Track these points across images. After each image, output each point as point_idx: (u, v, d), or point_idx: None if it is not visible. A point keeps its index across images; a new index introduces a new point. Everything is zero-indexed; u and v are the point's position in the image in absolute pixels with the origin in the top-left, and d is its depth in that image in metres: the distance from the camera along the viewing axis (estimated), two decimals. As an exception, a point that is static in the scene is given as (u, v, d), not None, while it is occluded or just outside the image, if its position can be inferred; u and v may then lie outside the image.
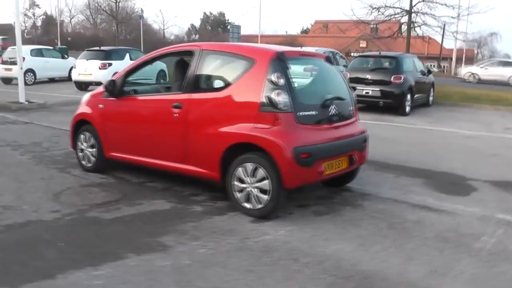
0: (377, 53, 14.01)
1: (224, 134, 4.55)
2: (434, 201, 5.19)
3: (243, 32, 42.74)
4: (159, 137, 5.12)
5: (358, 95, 10.23)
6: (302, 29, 68.27)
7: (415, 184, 5.85)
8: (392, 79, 11.88)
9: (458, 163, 6.99)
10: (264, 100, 4.36)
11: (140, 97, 5.52)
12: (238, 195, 4.53)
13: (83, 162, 6.02)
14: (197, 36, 60.75)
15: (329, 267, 3.51)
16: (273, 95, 4.32)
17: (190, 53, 5.02)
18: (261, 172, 4.36)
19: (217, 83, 4.81)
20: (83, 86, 16.41)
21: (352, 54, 56.77)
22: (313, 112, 4.57)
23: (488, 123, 11.50)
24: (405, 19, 20.00)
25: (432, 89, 14.51)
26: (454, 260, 3.71)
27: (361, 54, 14.70)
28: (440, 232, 4.30)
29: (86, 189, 5.30)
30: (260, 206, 4.42)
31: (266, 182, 4.34)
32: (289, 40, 48.93)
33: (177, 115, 4.87)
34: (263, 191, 4.38)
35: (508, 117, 12.85)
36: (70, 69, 18.71)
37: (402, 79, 11.87)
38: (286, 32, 67.89)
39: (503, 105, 14.58)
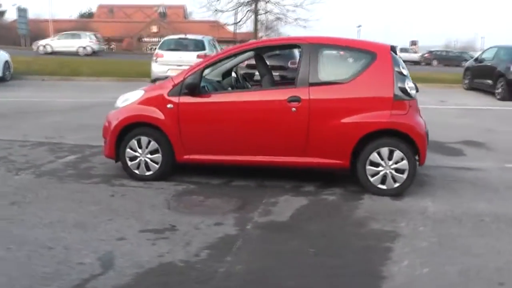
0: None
1: (358, 123, 4.82)
2: (456, 162, 6.45)
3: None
4: (268, 133, 4.98)
5: (257, 81, 11.13)
6: (81, 13, 63.57)
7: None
8: (289, 64, 12.98)
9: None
10: (397, 89, 4.83)
11: (233, 94, 5.19)
12: (372, 178, 4.92)
13: (137, 171, 5.28)
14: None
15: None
16: (405, 85, 4.84)
17: (294, 47, 5.04)
18: (398, 154, 4.84)
19: (340, 76, 4.98)
20: None
21: (143, 39, 56.25)
22: (416, 97, 5.25)
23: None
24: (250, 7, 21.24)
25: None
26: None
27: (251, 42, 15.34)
28: (501, 183, 5.52)
29: (191, 199, 4.80)
30: (397, 185, 4.90)
31: (404, 162, 4.85)
32: (81, 25, 45.38)
33: (295, 109, 4.87)
34: (400, 171, 4.88)
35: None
36: None
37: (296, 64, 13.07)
38: (71, 16, 62.47)
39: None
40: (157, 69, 13.74)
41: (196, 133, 5.11)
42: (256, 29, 21.59)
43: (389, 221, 4.27)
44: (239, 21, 22.46)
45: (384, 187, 4.91)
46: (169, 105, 5.09)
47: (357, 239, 3.86)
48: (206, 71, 5.23)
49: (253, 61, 13.31)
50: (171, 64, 13.64)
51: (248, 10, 21.41)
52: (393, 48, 5.06)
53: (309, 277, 3.16)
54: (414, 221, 4.28)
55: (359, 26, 58.03)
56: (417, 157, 4.90)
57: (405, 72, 4.93)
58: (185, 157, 5.18)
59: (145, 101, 5.22)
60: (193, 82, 4.95)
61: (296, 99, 4.86)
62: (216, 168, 5.48)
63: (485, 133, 8.50)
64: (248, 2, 21.00)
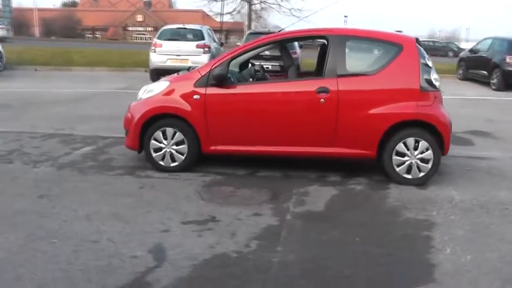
0: (266, 30, 14.81)
1: (386, 114, 4.88)
2: (468, 152, 6.59)
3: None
4: (296, 124, 5.01)
5: (271, 71, 11.17)
6: (63, 1, 62.30)
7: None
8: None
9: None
10: (423, 81, 4.90)
11: (260, 85, 5.20)
12: (397, 168, 5.00)
13: (161, 163, 5.27)
14: None
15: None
16: (431, 77, 4.91)
17: (321, 38, 5.05)
18: (423, 144, 4.93)
19: (368, 68, 5.03)
20: None
21: (128, 28, 55.53)
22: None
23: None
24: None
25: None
26: None
27: (250, 31, 15.27)
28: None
29: (221, 189, 4.81)
30: (422, 174, 4.99)
31: (429, 152, 4.94)
32: (68, 14, 44.55)
33: (324, 100, 4.91)
34: (425, 161, 4.97)
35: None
36: None
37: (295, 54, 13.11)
38: (54, 5, 61.23)
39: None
40: (155, 58, 13.59)
41: (223, 124, 5.12)
42: (250, 19, 21.46)
43: (421, 210, 4.35)
44: (233, 11, 22.26)
45: (409, 176, 5.00)
46: (195, 96, 5.08)
47: (395, 228, 3.94)
48: (233, 62, 5.23)
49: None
50: (170, 54, 13.52)
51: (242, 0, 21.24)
52: (417, 40, 5.12)
53: (361, 265, 3.23)
54: (444, 210, 4.38)
55: (345, 16, 58.54)
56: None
57: (430, 63, 5.01)
58: (212, 148, 5.18)
59: (171, 92, 5.20)
60: (222, 73, 4.94)
61: (325, 90, 4.89)
62: (240, 158, 5.50)
63: (488, 123, 8.66)
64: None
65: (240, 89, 5.13)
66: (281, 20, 32.74)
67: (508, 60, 13.10)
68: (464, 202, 4.58)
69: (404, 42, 5.02)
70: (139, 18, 54.14)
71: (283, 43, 5.65)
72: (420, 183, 5.00)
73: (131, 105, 5.61)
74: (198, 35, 14.25)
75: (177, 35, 14.30)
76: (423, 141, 4.92)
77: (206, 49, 13.76)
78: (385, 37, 5.16)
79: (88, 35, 43.15)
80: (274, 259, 3.26)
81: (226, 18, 35.55)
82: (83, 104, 9.97)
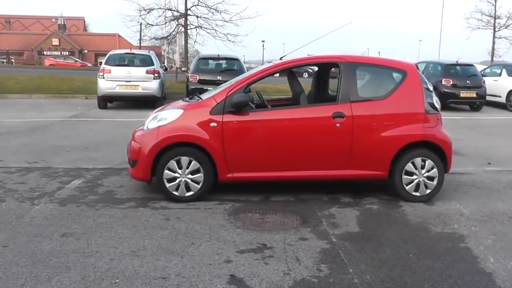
0: (216, 55, 14.86)
1: (397, 136, 5.20)
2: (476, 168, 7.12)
3: None
4: (313, 148, 5.16)
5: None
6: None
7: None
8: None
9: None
10: (427, 104, 5.31)
11: (276, 112, 5.29)
12: (407, 187, 5.33)
13: (176, 193, 5.16)
14: None
15: None
16: (433, 100, 5.34)
17: (332, 65, 5.30)
18: (429, 163, 5.31)
19: (377, 93, 5.32)
20: None
21: (44, 52, 52.71)
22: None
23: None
24: (181, 21, 20.92)
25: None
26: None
27: (201, 56, 15.18)
28: (496, 184, 6.23)
29: (249, 217, 4.80)
30: (428, 191, 5.36)
31: (434, 170, 5.33)
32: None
33: (339, 124, 5.13)
34: (431, 178, 5.34)
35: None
36: None
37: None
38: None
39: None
40: (104, 85, 13.12)
41: (241, 151, 5.14)
42: (186, 42, 21.41)
43: (442, 224, 4.68)
44: (169, 35, 22.04)
45: (417, 194, 5.34)
46: (212, 124, 5.06)
47: (434, 242, 4.20)
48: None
49: (205, 77, 13.69)
50: (119, 80, 13.16)
51: (177, 24, 21.15)
52: (417, 66, 5.56)
53: (434, 279, 3.42)
54: (463, 222, 4.74)
55: (263, 41, 61.22)
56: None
57: (431, 87, 5.45)
58: (229, 175, 5.17)
59: (186, 120, 5.13)
60: (245, 99, 4.99)
61: (340, 115, 5.12)
62: (247, 185, 5.51)
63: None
64: (179, 15, 20.75)
65: (256, 115, 5.20)
66: (217, 45, 33.07)
67: (443, 82, 14.37)
68: (474, 215, 4.98)
69: (407, 69, 5.42)
70: (55, 42, 51.74)
71: (286, 70, 5.80)
72: (426, 199, 5.36)
73: (137, 134, 5.44)
74: (146, 61, 14.06)
75: (126, 61, 14.00)
76: (429, 160, 5.30)
77: (156, 74, 13.60)
78: (390, 64, 5.53)
79: (2, 59, 40.14)
80: (354, 281, 3.35)
81: (146, 43, 35.08)
82: (43, 134, 9.38)
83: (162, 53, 49.49)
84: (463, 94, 14.55)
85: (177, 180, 5.12)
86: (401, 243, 4.14)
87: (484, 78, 15.32)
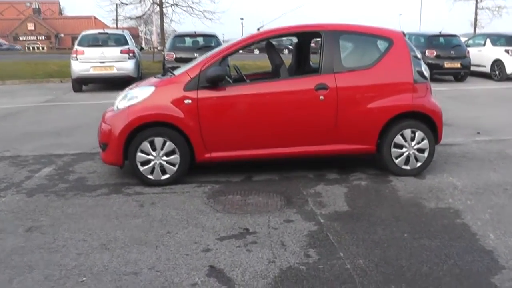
0: (193, 32, 14.28)
1: (384, 107, 4.88)
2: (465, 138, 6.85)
3: None
4: (296, 123, 4.82)
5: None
6: None
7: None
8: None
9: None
10: (415, 73, 4.98)
11: (254, 85, 4.91)
12: (397, 160, 5.04)
13: (150, 176, 4.80)
14: None
15: None
16: (422, 68, 5.02)
17: (313, 35, 4.94)
18: (419, 135, 5.01)
19: (362, 62, 4.97)
20: None
21: (20, 38, 51.10)
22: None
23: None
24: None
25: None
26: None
27: (176, 34, 14.57)
28: (487, 154, 5.98)
29: (229, 199, 4.47)
30: (419, 164, 5.07)
31: (425, 142, 5.04)
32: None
33: (323, 97, 4.79)
34: (421, 150, 5.06)
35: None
36: None
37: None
38: None
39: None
40: (78, 67, 12.55)
41: (218, 129, 4.78)
42: (162, 21, 20.70)
43: (436, 198, 4.41)
44: (143, 14, 21.29)
45: (407, 167, 5.06)
46: (186, 101, 4.68)
47: (429, 219, 3.92)
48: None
49: (182, 55, 13.22)
50: (93, 61, 12.60)
51: (152, 3, 20.38)
52: (404, 34, 5.21)
53: (432, 261, 3.14)
54: (457, 196, 4.47)
55: (242, 19, 60.14)
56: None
57: (419, 55, 5.12)
58: (207, 155, 4.82)
59: (158, 98, 4.74)
60: (220, 73, 4.60)
61: (324, 87, 4.77)
62: (226, 164, 5.18)
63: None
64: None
65: (234, 90, 4.83)
66: (194, 22, 32.18)
67: (427, 53, 14.07)
68: (468, 187, 4.72)
69: (393, 36, 5.08)
70: (30, 26, 50.12)
71: (263, 41, 5.41)
72: (417, 173, 5.08)
73: (107, 115, 5.04)
74: (121, 40, 13.49)
75: (99, 41, 13.39)
76: (419, 132, 5.01)
77: (131, 54, 13.06)
78: (375, 31, 5.17)
79: None
80: (346, 266, 3.05)
81: (122, 24, 34.00)
82: (14, 121, 8.87)
83: (140, 34, 48.40)
84: (447, 64, 14.28)
85: (152, 163, 4.76)
86: (394, 221, 3.86)
87: (468, 49, 15.06)
